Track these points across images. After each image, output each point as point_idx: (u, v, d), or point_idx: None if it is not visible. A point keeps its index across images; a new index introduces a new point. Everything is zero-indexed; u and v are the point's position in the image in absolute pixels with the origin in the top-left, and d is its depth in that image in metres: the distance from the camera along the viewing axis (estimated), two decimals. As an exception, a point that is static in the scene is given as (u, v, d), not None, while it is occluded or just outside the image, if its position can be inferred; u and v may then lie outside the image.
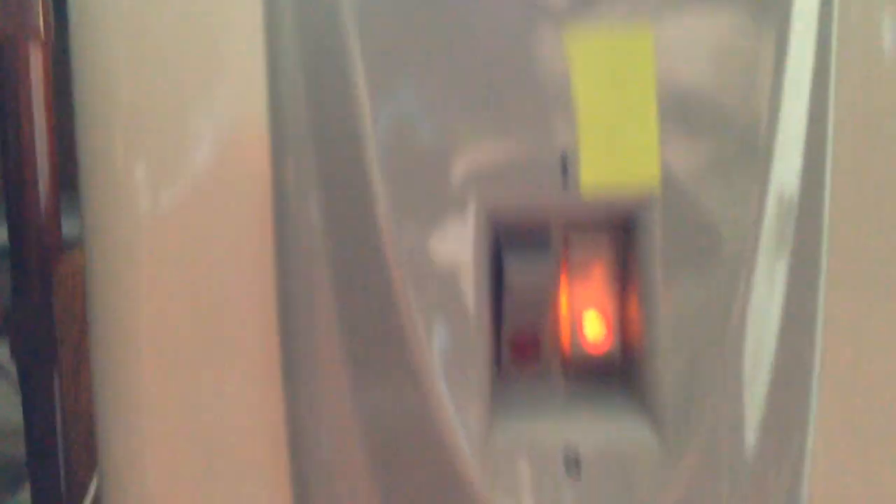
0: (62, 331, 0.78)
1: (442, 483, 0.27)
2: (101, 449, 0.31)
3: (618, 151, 0.26)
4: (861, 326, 0.30)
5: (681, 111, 0.27)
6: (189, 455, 0.29)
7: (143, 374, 0.29)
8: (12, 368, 1.01)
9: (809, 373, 0.29)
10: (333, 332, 0.27)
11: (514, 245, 0.27)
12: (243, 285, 0.28)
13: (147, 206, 0.28)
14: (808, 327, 0.29)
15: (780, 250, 0.27)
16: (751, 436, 0.28)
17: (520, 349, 0.28)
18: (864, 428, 0.31)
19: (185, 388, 0.29)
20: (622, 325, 0.28)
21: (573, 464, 0.27)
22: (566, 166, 0.26)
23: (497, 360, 0.28)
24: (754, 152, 0.27)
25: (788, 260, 0.28)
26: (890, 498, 0.31)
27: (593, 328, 0.27)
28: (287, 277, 0.27)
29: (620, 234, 0.27)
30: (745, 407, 0.28)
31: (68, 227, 0.87)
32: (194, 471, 0.29)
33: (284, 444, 0.28)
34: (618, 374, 0.28)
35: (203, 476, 0.29)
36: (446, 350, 0.26)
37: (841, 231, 0.29)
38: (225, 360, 0.29)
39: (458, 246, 0.26)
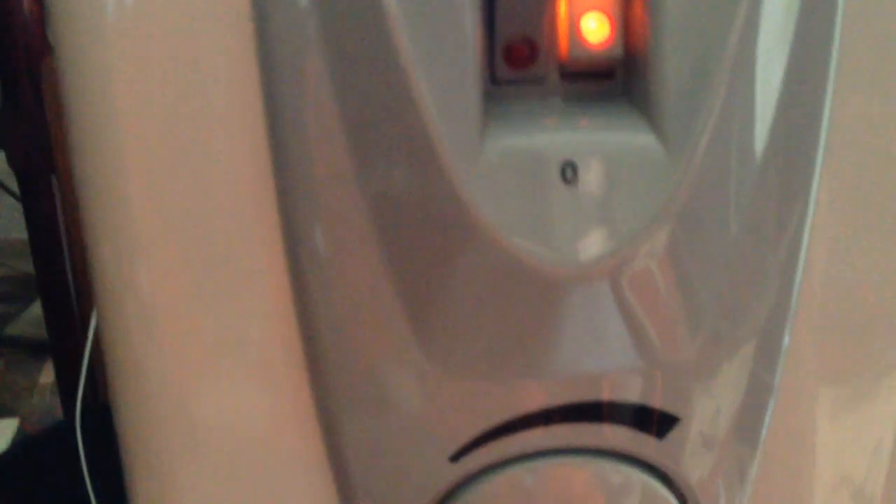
0: (56, 130, 0.77)
1: (432, 198, 0.25)
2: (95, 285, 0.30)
3: None
4: (877, 63, 0.28)
5: None
6: (181, 252, 0.28)
7: (129, 171, 0.27)
8: (13, 183, 1.00)
9: (823, 77, 0.27)
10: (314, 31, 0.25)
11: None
12: (226, 62, 0.26)
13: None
14: (824, 28, 0.27)
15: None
16: (759, 140, 0.26)
17: (515, 55, 0.26)
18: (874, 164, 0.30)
19: (171, 184, 0.27)
20: (624, 25, 0.26)
21: (570, 171, 0.25)
22: None
23: (490, 68, 0.26)
24: None
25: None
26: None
27: (593, 29, 0.26)
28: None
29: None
30: (753, 110, 0.26)
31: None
32: (186, 269, 0.28)
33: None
34: (619, 81, 0.26)
35: (196, 272, 0.28)
36: (434, 58, 0.24)
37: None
38: (212, 146, 0.27)
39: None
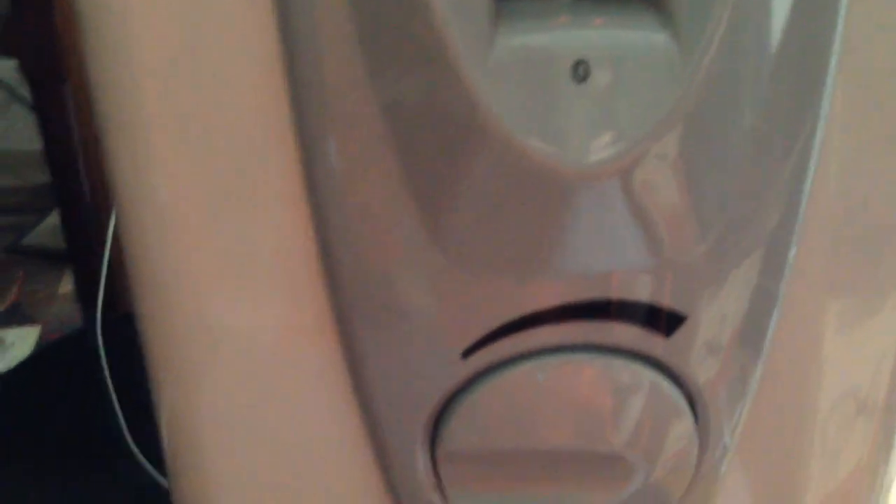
0: (66, 35, 0.76)
1: (443, 98, 0.26)
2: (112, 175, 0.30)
3: None
4: None
5: None
6: (196, 161, 0.28)
7: (144, 80, 0.27)
8: (24, 91, 1.00)
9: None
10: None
11: None
12: None
13: None
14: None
15: None
16: (772, 44, 0.26)
17: (527, -49, 0.25)
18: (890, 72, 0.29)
19: (186, 91, 0.27)
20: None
21: (582, 70, 0.25)
22: None
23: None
24: None
25: None
26: None
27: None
28: None
29: None
30: (768, 11, 0.26)
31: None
32: (200, 177, 0.28)
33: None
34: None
35: (211, 179, 0.28)
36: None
37: None
38: (225, 53, 0.27)
39: None
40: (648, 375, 0.31)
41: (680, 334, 0.30)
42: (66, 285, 1.43)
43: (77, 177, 0.95)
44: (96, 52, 0.28)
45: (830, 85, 0.28)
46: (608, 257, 0.28)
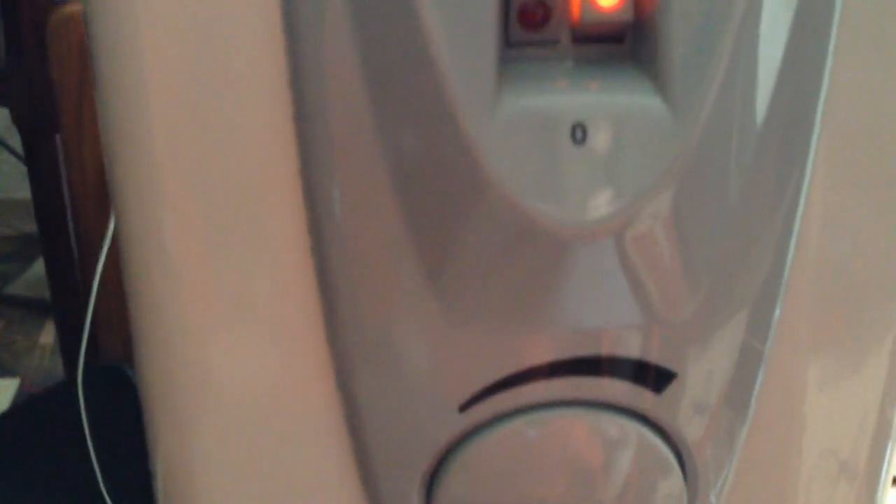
0: (60, 87, 0.77)
1: (447, 155, 0.26)
2: (116, 205, 0.30)
3: None
4: (877, 27, 0.29)
5: None
6: (203, 207, 0.29)
7: (154, 122, 0.28)
8: (16, 141, 1.00)
9: (824, 46, 0.28)
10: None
11: None
12: (250, 16, 0.27)
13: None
14: (825, 10, 0.28)
15: None
16: (760, 107, 0.27)
17: (529, 18, 0.27)
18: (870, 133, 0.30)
19: (196, 135, 0.28)
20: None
21: (580, 133, 0.26)
22: None
23: (505, 30, 0.27)
24: None
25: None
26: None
27: (605, -6, 0.26)
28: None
29: None
30: (756, 77, 0.27)
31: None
32: (207, 223, 0.29)
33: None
34: (628, 45, 0.27)
35: (217, 226, 0.29)
36: (453, 18, 0.25)
37: None
38: (236, 99, 0.28)
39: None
40: (639, 432, 0.31)
41: (670, 391, 0.31)
42: (48, 336, 1.42)
43: (65, 227, 0.94)
44: (108, 98, 0.29)
45: (814, 150, 0.29)
46: (603, 314, 0.29)
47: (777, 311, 0.31)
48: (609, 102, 0.26)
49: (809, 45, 0.28)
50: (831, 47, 0.28)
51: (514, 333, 0.29)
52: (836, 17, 0.28)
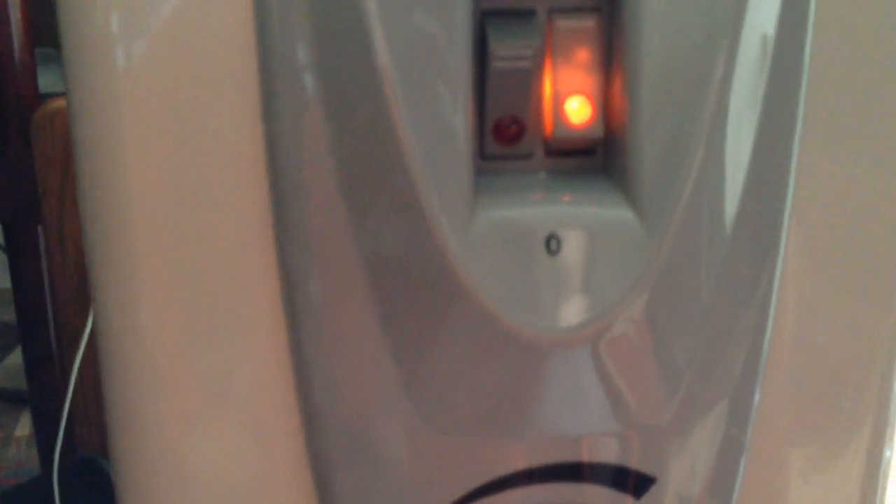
0: (44, 181, 0.78)
1: (424, 265, 0.27)
2: (94, 300, 0.31)
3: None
4: (840, 123, 0.30)
5: None
6: (182, 305, 0.29)
7: (134, 219, 0.29)
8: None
9: (788, 148, 0.29)
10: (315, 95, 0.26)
11: (499, 27, 0.27)
12: (231, 120, 0.28)
13: (123, 57, 0.27)
14: (789, 114, 0.29)
15: (764, 28, 0.27)
16: (729, 213, 0.28)
17: (503, 133, 0.27)
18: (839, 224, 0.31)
19: (176, 233, 0.29)
20: (604, 108, 0.27)
21: (555, 243, 0.27)
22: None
23: (480, 144, 0.28)
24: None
25: (774, 44, 0.28)
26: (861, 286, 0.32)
27: (576, 110, 0.27)
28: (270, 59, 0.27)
29: (605, 17, 0.27)
30: (724, 186, 0.28)
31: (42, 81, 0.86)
32: (185, 320, 0.29)
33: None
34: (599, 158, 0.28)
35: (195, 323, 0.29)
36: (429, 133, 0.26)
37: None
38: (216, 200, 0.28)
39: (441, 29, 0.26)
40: (619, 536, 0.31)
41: (650, 495, 0.31)
42: (24, 428, 1.40)
43: (44, 318, 0.94)
44: (90, 193, 0.29)
45: (784, 245, 0.30)
46: (581, 421, 0.29)
47: (756, 397, 0.31)
48: (582, 214, 0.27)
49: (775, 149, 0.29)
50: (796, 147, 0.29)
51: (493, 440, 0.29)
52: (800, 116, 0.29)
